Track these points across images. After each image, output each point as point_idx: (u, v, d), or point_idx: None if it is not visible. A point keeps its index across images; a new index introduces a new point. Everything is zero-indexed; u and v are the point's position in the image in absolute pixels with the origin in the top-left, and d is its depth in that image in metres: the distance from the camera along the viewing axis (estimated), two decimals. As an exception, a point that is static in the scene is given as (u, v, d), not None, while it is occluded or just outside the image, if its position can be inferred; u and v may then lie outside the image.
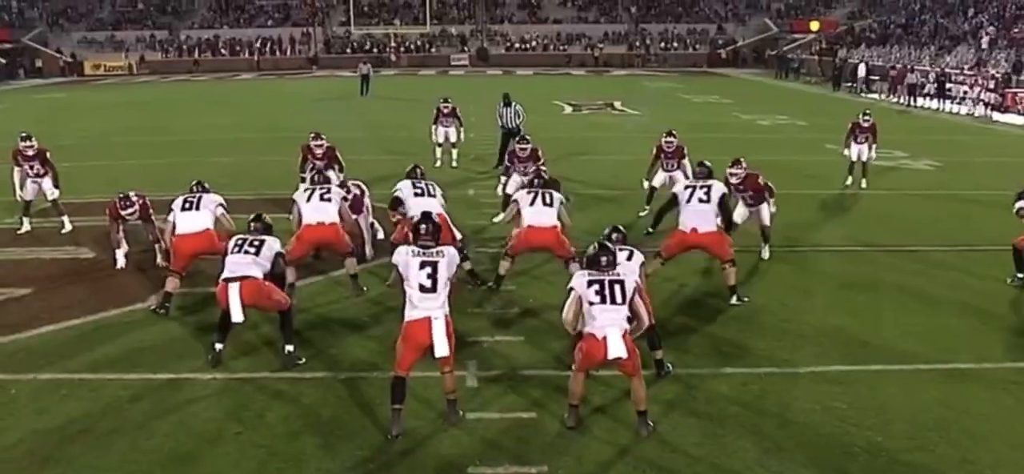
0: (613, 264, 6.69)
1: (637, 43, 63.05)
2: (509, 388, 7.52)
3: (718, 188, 9.77)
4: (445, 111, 18.17)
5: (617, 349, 6.36)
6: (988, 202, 15.07)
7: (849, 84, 41.82)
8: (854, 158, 16.48)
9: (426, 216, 7.06)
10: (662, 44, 62.98)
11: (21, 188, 13.06)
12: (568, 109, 32.14)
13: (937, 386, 7.64)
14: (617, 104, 33.61)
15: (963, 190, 16.72)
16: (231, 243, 8.26)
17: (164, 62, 61.35)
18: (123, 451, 6.48)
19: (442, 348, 6.49)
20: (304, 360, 8.01)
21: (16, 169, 13.03)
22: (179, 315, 9.34)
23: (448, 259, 6.72)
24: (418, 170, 10.68)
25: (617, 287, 6.56)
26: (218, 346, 8.01)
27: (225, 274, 7.96)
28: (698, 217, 9.58)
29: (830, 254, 12.07)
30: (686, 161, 13.74)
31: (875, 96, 37.84)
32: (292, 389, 7.49)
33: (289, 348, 7.98)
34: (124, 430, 6.79)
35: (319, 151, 13.45)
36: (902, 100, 35.42)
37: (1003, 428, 6.86)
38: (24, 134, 13.22)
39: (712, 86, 43.66)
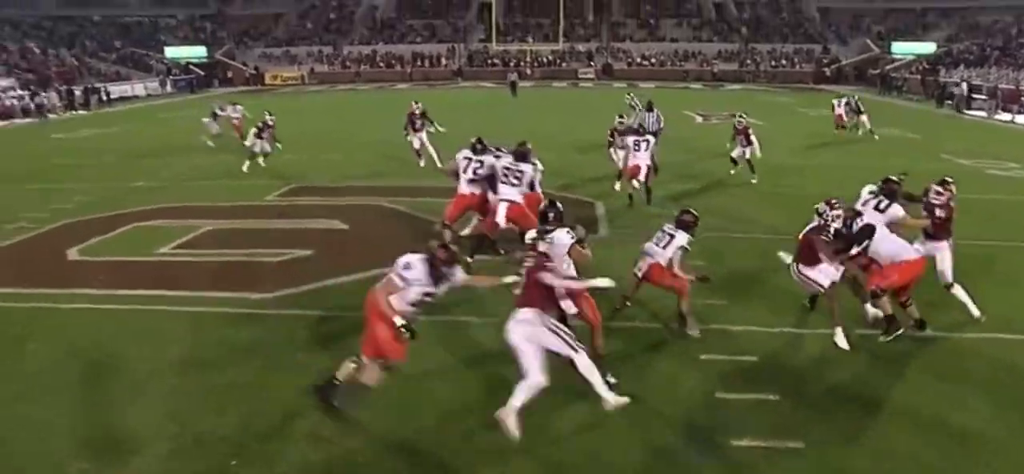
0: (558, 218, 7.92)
1: (748, 61, 62.58)
2: (736, 368, 7.82)
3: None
4: (739, 127, 18.69)
5: None
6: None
7: (949, 102, 40.80)
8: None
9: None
10: (771, 62, 62.29)
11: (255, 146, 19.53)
12: (698, 118, 32.63)
13: None
14: (740, 115, 33.84)
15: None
16: (500, 172, 10.84)
17: (330, 73, 64.25)
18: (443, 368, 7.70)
19: None
20: None
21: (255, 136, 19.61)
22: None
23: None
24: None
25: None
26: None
27: (501, 196, 10.70)
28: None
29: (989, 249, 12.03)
30: (753, 137, 17.43)
31: (981, 114, 36.88)
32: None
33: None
34: (432, 354, 8.01)
35: (418, 111, 19.56)
36: (995, 116, 35.03)
37: None
38: (268, 112, 20.63)
39: (822, 101, 42.96)
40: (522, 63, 64.47)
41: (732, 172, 17.82)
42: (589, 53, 66.15)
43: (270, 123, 20.25)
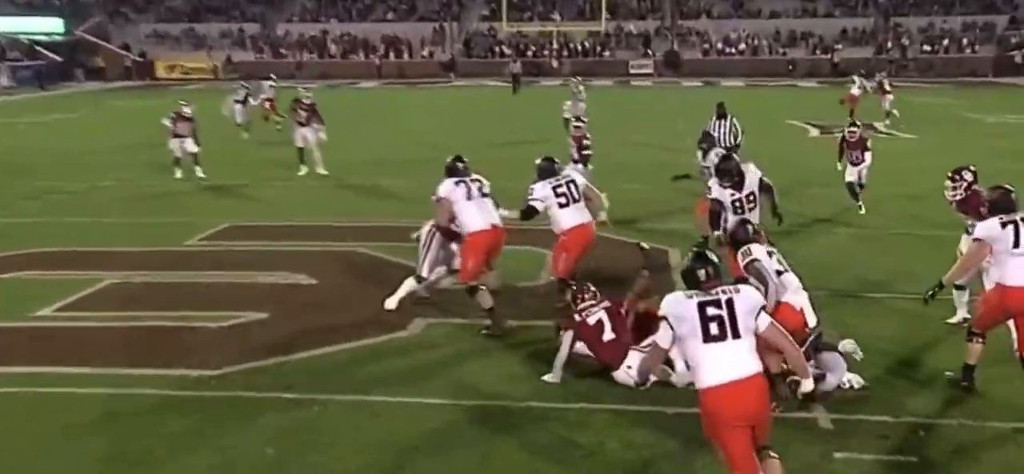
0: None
1: (889, 44, 63.44)
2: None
3: None
4: (851, 139, 19.36)
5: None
6: None
7: None
8: None
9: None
10: (925, 45, 63.04)
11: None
12: (813, 132, 33.41)
13: None
14: (879, 126, 34.52)
15: None
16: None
17: (257, 63, 65.50)
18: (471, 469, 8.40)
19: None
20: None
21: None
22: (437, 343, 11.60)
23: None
24: None
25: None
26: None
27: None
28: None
29: None
30: (868, 154, 18.98)
31: None
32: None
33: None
34: (458, 447, 8.69)
35: (307, 102, 24.25)
36: None
37: None
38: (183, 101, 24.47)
39: (1008, 102, 43.93)
40: (546, 51, 65.59)
41: (862, 209, 18.84)
42: (646, 37, 67.34)
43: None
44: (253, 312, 12.63)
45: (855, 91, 36.01)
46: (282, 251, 16.14)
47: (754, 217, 12.03)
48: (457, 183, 12.09)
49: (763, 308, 6.99)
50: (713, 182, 13.87)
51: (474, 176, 12.31)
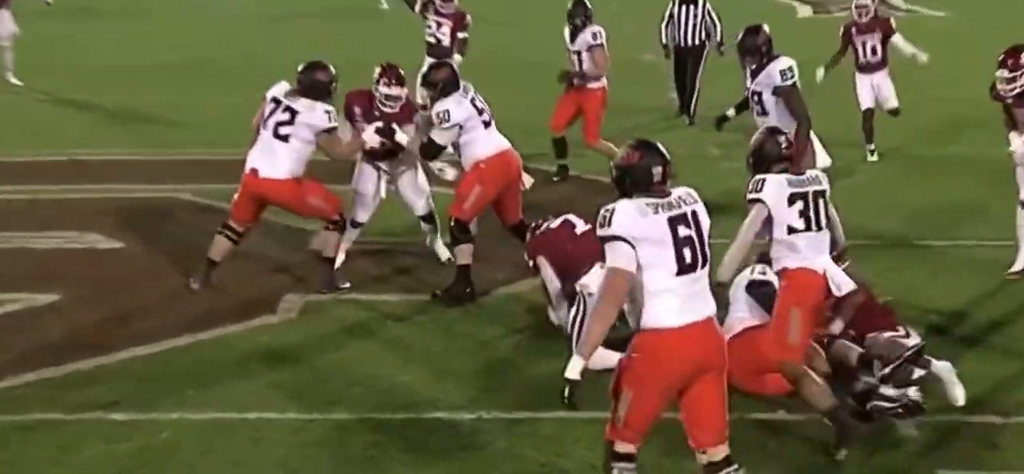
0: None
1: None
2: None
3: None
4: (861, 19, 18.50)
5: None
6: None
7: None
8: None
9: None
10: None
11: None
12: (804, 10, 33.70)
13: None
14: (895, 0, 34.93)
15: None
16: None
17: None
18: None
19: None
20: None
21: None
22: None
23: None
24: None
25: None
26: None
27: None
28: None
29: None
30: (898, 38, 18.25)
31: None
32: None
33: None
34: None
35: None
36: None
37: None
38: None
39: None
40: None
41: (873, 156, 18.38)
42: None
43: None
44: (34, 293, 12.12)
45: None
46: (60, 200, 15.67)
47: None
48: (272, 100, 12.23)
49: None
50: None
51: (291, 103, 12.14)
